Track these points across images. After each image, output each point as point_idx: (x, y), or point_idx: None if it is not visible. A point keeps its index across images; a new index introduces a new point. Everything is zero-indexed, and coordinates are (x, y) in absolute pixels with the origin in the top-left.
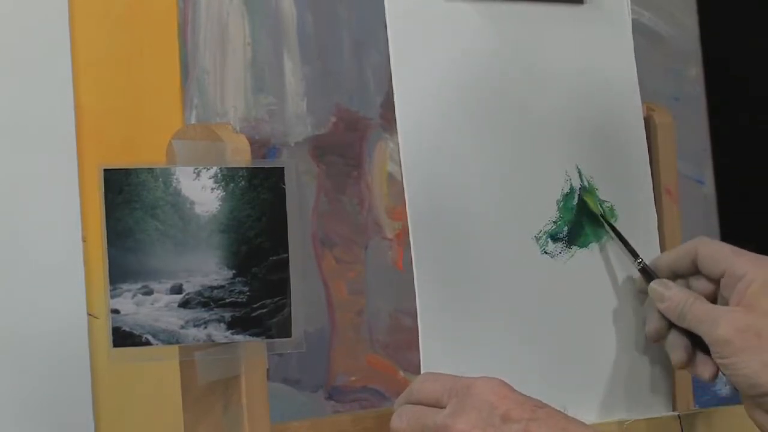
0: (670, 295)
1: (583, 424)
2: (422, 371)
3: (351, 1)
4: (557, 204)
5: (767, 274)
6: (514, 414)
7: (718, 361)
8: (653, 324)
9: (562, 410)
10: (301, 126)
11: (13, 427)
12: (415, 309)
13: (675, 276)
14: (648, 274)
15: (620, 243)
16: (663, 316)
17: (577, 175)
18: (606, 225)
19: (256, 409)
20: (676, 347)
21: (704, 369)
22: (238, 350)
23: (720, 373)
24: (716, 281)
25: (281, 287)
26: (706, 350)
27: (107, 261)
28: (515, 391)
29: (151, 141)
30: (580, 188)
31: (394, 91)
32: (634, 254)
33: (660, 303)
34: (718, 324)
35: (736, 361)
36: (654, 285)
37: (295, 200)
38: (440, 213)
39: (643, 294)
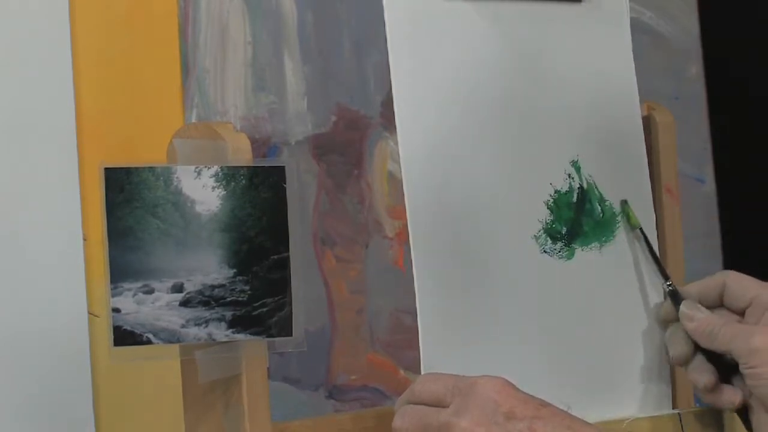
0: (701, 316)
1: (586, 422)
2: (423, 371)
3: (351, 0)
4: (556, 203)
5: None
6: (518, 412)
7: (748, 371)
8: (679, 348)
9: (565, 409)
10: (302, 125)
11: (14, 426)
12: (416, 308)
13: None
14: (676, 296)
15: (653, 261)
16: (689, 341)
17: (576, 173)
18: (644, 242)
19: (256, 408)
20: (704, 371)
21: (733, 396)
22: (239, 349)
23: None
24: (740, 314)
25: (282, 286)
26: (729, 379)
27: (108, 260)
28: (518, 389)
29: (152, 140)
30: (579, 187)
31: (394, 91)
32: (665, 276)
33: (689, 323)
34: (753, 335)
35: (766, 370)
36: (684, 307)
37: (295, 199)
38: (439, 212)
39: (665, 321)
